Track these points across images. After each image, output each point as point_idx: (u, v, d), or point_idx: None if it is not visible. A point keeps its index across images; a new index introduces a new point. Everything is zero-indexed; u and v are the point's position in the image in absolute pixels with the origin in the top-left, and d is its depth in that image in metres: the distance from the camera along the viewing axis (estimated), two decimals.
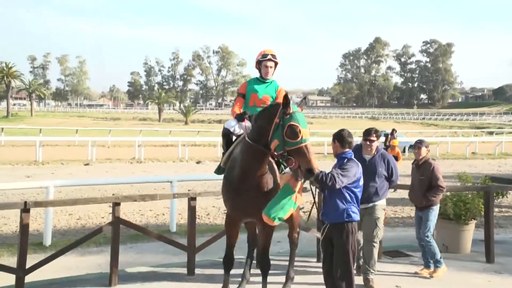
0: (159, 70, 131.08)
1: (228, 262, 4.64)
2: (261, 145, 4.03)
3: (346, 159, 4.26)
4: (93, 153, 20.10)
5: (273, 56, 4.88)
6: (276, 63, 4.93)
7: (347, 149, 4.30)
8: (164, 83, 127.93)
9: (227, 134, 4.72)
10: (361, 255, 5.42)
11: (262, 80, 4.96)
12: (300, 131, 3.77)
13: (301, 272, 5.66)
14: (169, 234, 7.82)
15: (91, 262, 6.67)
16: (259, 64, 4.95)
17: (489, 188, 6.96)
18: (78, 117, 72.46)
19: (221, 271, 5.72)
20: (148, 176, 14.77)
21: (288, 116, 3.85)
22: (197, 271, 5.84)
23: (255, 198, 4.20)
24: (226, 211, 4.77)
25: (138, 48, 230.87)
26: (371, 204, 5.31)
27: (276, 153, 3.99)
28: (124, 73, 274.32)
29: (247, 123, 4.49)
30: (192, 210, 5.96)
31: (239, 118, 4.62)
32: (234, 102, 5.05)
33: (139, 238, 7.78)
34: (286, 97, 3.91)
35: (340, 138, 4.32)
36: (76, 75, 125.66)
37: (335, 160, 4.37)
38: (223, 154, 4.79)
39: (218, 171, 4.85)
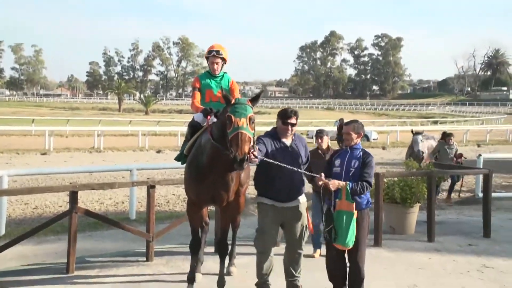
0: (119, 61, 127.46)
1: (194, 245, 4.64)
2: (223, 143, 4.01)
3: (360, 150, 4.39)
4: (51, 142, 19.39)
5: (218, 52, 4.88)
6: (223, 59, 4.93)
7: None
8: (124, 74, 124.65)
9: (194, 126, 4.72)
10: (285, 262, 4.52)
11: (213, 74, 4.96)
12: (233, 120, 3.82)
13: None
14: (128, 222, 7.70)
15: (48, 250, 6.49)
16: (207, 60, 4.98)
17: (431, 173, 7.27)
18: (35, 106, 69.59)
19: (179, 257, 5.75)
20: (108, 165, 14.44)
21: (229, 108, 3.93)
22: (156, 257, 5.80)
23: (221, 184, 4.27)
24: (187, 199, 4.77)
25: (97, 38, 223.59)
26: (295, 203, 4.38)
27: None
28: (82, 63, 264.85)
29: (212, 119, 4.49)
30: (150, 198, 5.90)
31: (206, 113, 4.62)
32: (191, 96, 5.03)
33: (98, 226, 7.63)
34: (226, 97, 4.00)
35: (362, 128, 4.42)
36: (31, 64, 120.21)
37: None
38: (185, 142, 4.79)
39: (180, 158, 4.85)
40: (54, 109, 64.62)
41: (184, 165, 4.71)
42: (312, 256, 5.83)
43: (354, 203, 4.18)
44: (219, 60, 4.90)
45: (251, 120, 3.87)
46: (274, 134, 4.40)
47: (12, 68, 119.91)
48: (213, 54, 4.87)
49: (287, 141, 4.38)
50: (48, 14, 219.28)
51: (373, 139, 27.82)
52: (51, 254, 6.20)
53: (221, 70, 4.98)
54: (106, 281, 5.09)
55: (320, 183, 4.17)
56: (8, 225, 7.54)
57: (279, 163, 4.14)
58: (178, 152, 4.95)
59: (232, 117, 3.85)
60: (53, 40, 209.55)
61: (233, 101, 3.98)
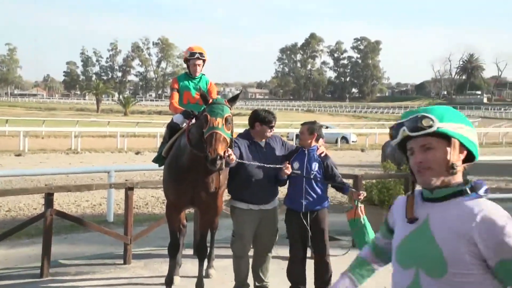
0: (97, 61, 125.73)
1: (173, 248, 4.57)
2: (200, 146, 3.98)
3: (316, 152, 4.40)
4: (26, 143, 18.96)
5: (201, 54, 4.90)
6: (204, 61, 4.95)
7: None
8: (103, 74, 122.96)
9: (173, 127, 4.68)
10: (254, 267, 4.49)
11: (191, 76, 4.96)
12: (208, 119, 3.82)
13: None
14: (106, 225, 7.58)
15: (21, 254, 6.32)
16: (187, 61, 4.97)
17: (408, 175, 7.33)
18: (9, 106, 67.91)
19: (158, 260, 5.68)
20: (85, 166, 14.20)
21: (207, 108, 3.94)
22: (134, 260, 5.72)
23: (200, 186, 4.25)
24: (166, 201, 4.71)
25: (74, 38, 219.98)
26: (272, 206, 4.40)
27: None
28: (59, 63, 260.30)
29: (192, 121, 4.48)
30: (129, 200, 5.82)
31: (186, 115, 4.59)
32: (170, 97, 4.99)
33: (74, 228, 7.48)
34: (204, 97, 4.02)
35: (318, 130, 4.39)
36: (5, 63, 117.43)
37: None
38: (163, 143, 4.75)
39: (157, 160, 4.80)
40: (30, 109, 63.25)
41: (163, 167, 4.67)
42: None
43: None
44: (201, 62, 4.93)
45: (227, 121, 3.84)
46: (249, 136, 4.37)
47: None
48: (196, 57, 4.88)
49: (262, 142, 4.35)
50: (24, 12, 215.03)
51: (352, 142, 28.17)
52: (24, 258, 6.05)
53: (201, 71, 4.99)
54: (82, 285, 5.00)
55: (287, 171, 4.15)
56: None
57: (256, 163, 4.16)
58: (156, 154, 4.90)
59: (208, 116, 3.83)
60: (29, 39, 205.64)
61: (210, 101, 3.98)
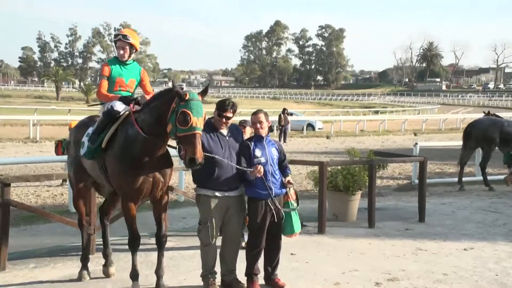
0: (55, 46, 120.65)
1: (134, 242, 4.36)
2: (155, 133, 3.97)
3: (269, 139, 4.60)
4: None
5: (124, 36, 4.67)
6: (131, 45, 4.68)
7: None
8: (62, 60, 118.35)
9: (112, 115, 4.42)
10: (223, 254, 4.50)
11: (122, 61, 4.70)
12: (191, 119, 3.78)
13: None
14: (68, 215, 7.38)
15: None
16: (115, 44, 4.76)
17: (372, 162, 7.54)
18: None
19: (122, 250, 5.55)
20: (45, 155, 13.73)
21: (183, 102, 3.85)
22: (97, 251, 5.55)
23: (158, 175, 4.18)
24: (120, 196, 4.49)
25: (30, 22, 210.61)
26: (238, 193, 4.42)
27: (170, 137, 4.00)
28: (14, 48, 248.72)
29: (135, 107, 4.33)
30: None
31: (125, 101, 4.46)
32: (98, 84, 4.67)
33: (34, 220, 7.27)
34: (178, 92, 3.88)
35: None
36: None
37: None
38: (96, 134, 4.38)
39: (90, 153, 4.40)
40: None
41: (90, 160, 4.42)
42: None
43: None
44: (127, 46, 4.66)
45: (204, 119, 3.92)
46: (211, 125, 4.37)
47: None
48: (119, 38, 4.67)
49: (224, 131, 4.40)
50: None
51: (319, 129, 28.52)
52: None
53: (129, 57, 4.74)
54: (43, 277, 4.86)
55: (258, 175, 4.28)
56: None
57: (219, 157, 4.20)
58: (88, 145, 4.42)
59: (191, 115, 3.79)
60: None
61: (187, 96, 3.87)
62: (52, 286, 4.62)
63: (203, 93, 4.08)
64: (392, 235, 6.72)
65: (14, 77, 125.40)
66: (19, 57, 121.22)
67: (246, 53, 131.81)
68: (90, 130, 4.53)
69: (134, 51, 4.75)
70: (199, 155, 3.75)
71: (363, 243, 6.25)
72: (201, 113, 3.84)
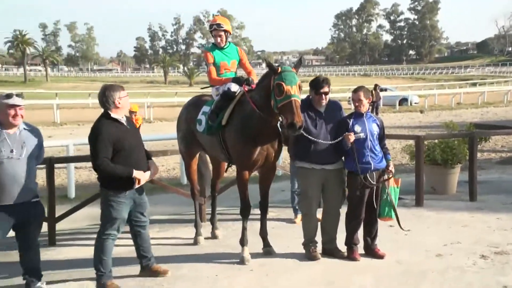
0: (163, 35, 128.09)
1: (246, 210, 4.48)
2: (266, 110, 4.07)
3: (370, 114, 4.48)
4: None
5: (218, 25, 4.84)
6: (225, 31, 4.85)
7: None
8: (168, 47, 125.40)
9: (229, 95, 4.60)
10: (324, 224, 4.50)
11: (219, 47, 4.89)
12: (284, 88, 3.82)
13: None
14: (181, 187, 7.90)
15: None
16: (211, 33, 4.95)
17: (473, 134, 6.98)
18: (90, 81, 71.58)
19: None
20: (159, 134, 14.74)
21: (277, 76, 3.91)
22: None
23: (271, 149, 4.35)
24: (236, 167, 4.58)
25: (142, 15, 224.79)
26: (335, 166, 4.35)
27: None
28: (130, 39, 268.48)
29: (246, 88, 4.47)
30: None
31: (238, 82, 4.59)
32: (208, 72, 4.87)
33: (154, 191, 7.80)
34: (270, 65, 3.99)
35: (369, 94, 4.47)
36: (85, 42, 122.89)
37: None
38: (214, 112, 4.56)
39: (210, 129, 4.58)
40: (107, 83, 66.07)
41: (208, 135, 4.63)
42: (293, 222, 5.67)
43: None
44: (222, 33, 4.85)
45: (300, 88, 3.90)
46: (308, 103, 4.34)
47: (69, 46, 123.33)
48: (214, 28, 4.86)
49: (321, 109, 4.32)
50: None
51: (415, 103, 27.10)
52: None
53: (226, 41, 4.91)
54: (165, 241, 5.25)
55: (349, 142, 4.18)
56: (76, 188, 7.96)
57: (312, 138, 4.18)
58: (204, 124, 4.65)
59: (283, 85, 3.83)
60: (104, 18, 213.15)
61: (279, 69, 3.93)
62: (176, 248, 4.90)
63: (297, 65, 4.14)
64: (496, 208, 6.18)
65: (130, 65, 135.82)
66: (134, 47, 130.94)
67: (336, 32, 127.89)
68: (205, 108, 4.76)
69: (228, 35, 4.93)
70: (298, 119, 3.73)
71: (464, 216, 5.84)
72: (294, 82, 3.86)
